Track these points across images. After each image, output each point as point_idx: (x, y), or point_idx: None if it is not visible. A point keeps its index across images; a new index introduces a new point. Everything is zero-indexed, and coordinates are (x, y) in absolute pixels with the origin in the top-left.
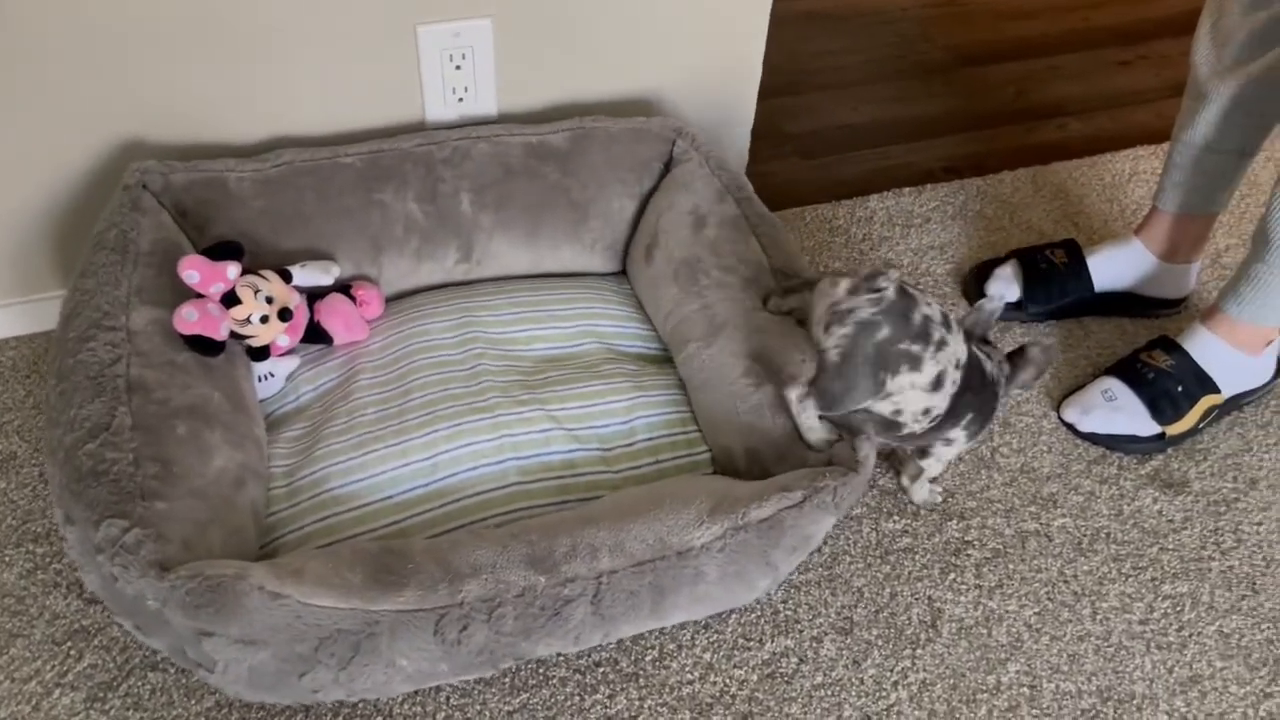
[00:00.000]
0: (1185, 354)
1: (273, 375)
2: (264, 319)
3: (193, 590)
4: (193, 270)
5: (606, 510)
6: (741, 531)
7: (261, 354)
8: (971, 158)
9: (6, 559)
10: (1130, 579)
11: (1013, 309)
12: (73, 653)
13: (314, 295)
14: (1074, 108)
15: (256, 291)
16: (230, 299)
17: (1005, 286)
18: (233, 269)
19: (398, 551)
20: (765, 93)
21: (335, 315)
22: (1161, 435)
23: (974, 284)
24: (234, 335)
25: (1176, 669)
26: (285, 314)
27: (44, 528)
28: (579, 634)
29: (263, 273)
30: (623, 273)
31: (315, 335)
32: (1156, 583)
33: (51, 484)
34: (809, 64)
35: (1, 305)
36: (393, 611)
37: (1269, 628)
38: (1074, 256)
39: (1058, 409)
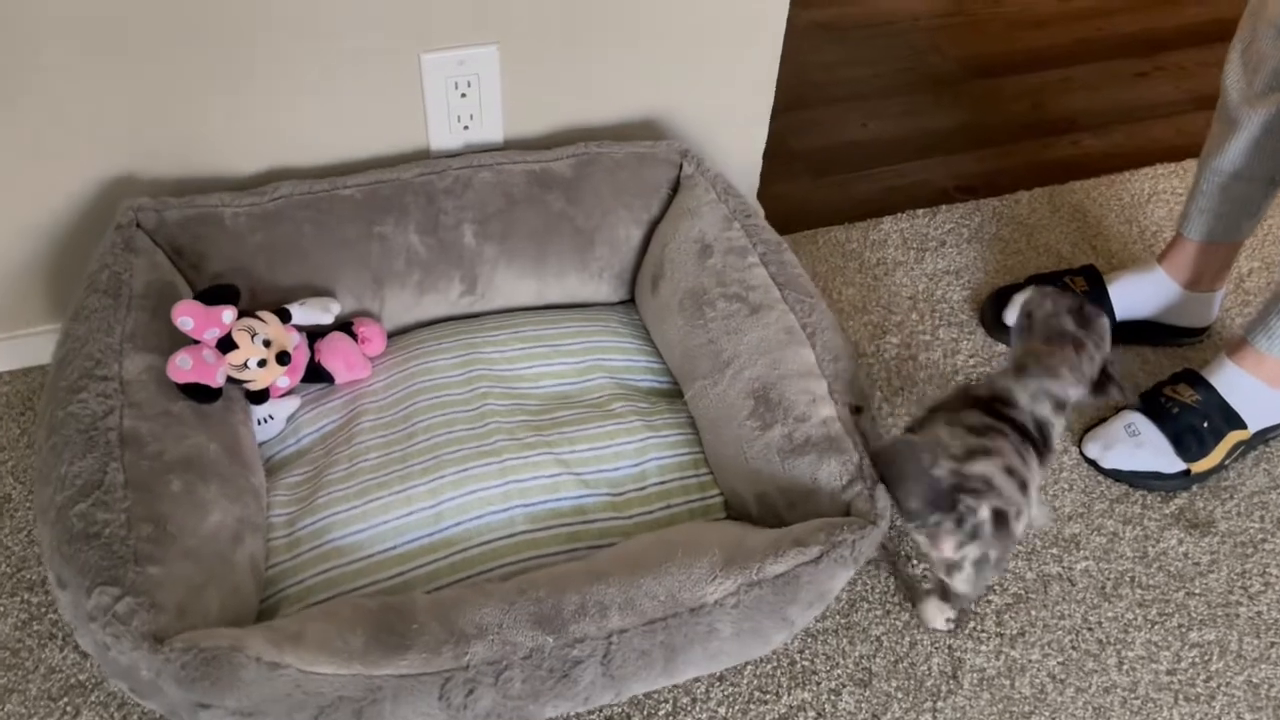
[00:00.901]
0: (1211, 389)
1: (272, 418)
2: (262, 363)
3: (187, 664)
4: (186, 316)
5: (616, 562)
6: (756, 587)
7: (261, 397)
8: (986, 175)
9: (1, 609)
10: (1156, 626)
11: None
12: (69, 709)
13: (314, 333)
14: (1089, 122)
15: (254, 335)
16: (226, 343)
17: None
18: (228, 313)
19: (400, 610)
20: (773, 108)
21: (336, 355)
22: (1186, 472)
23: (991, 311)
24: (231, 380)
25: None
26: (284, 358)
27: (39, 575)
28: (589, 695)
29: (260, 314)
30: (631, 300)
31: (316, 374)
32: (1183, 630)
33: (42, 544)
34: (817, 77)
35: None
36: (396, 676)
37: None
38: (1094, 284)
39: (1079, 444)
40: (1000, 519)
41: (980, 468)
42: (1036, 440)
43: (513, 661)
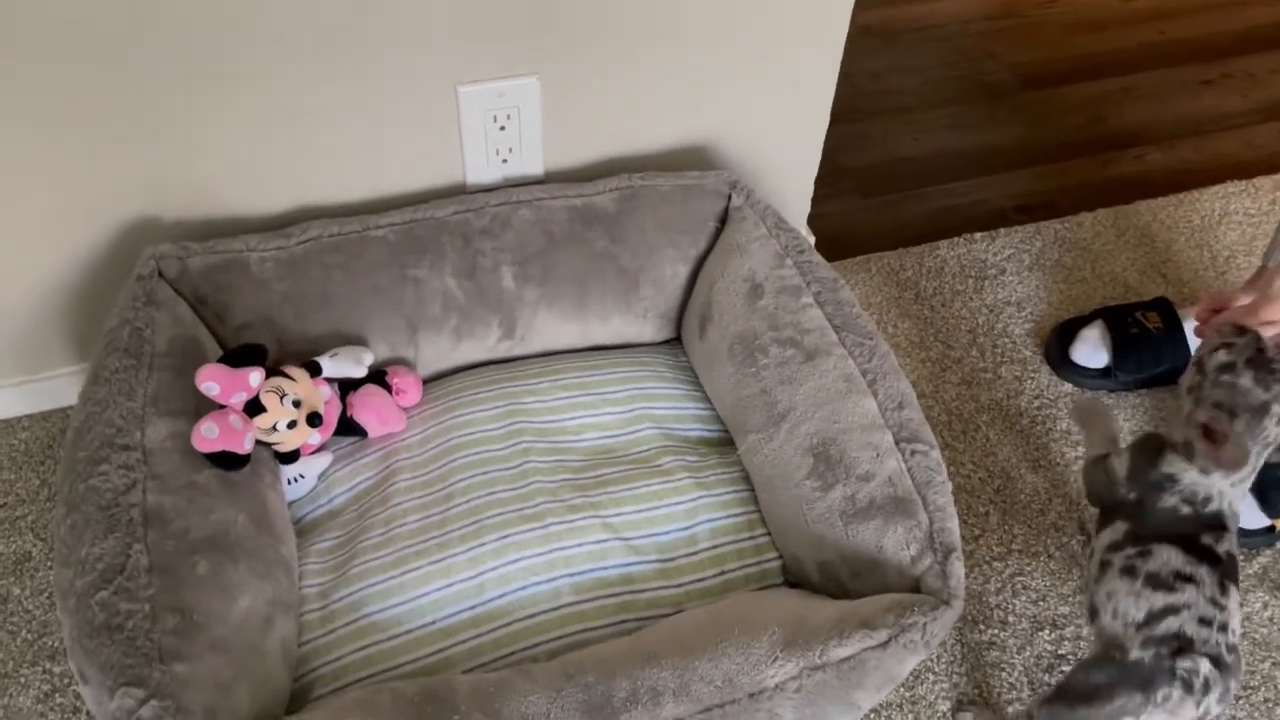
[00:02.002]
0: None
1: (303, 476)
2: (291, 424)
3: None
4: (212, 382)
5: (668, 640)
6: (819, 671)
7: (291, 457)
8: (1045, 194)
9: (22, 679)
10: (1241, 700)
11: (1099, 376)
12: None
13: (346, 385)
14: (1153, 135)
15: (283, 396)
16: (254, 406)
17: (1092, 351)
18: (255, 376)
19: (441, 698)
20: None
21: (369, 409)
22: (1272, 529)
23: (1056, 347)
24: (260, 442)
25: None
26: (314, 419)
27: (61, 643)
28: None
29: (288, 370)
30: (677, 339)
31: (348, 428)
32: (1271, 706)
33: (64, 631)
34: (863, 87)
35: (13, 384)
36: None
37: None
38: (1169, 321)
39: None
40: (1219, 662)
41: (1169, 625)
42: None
43: None
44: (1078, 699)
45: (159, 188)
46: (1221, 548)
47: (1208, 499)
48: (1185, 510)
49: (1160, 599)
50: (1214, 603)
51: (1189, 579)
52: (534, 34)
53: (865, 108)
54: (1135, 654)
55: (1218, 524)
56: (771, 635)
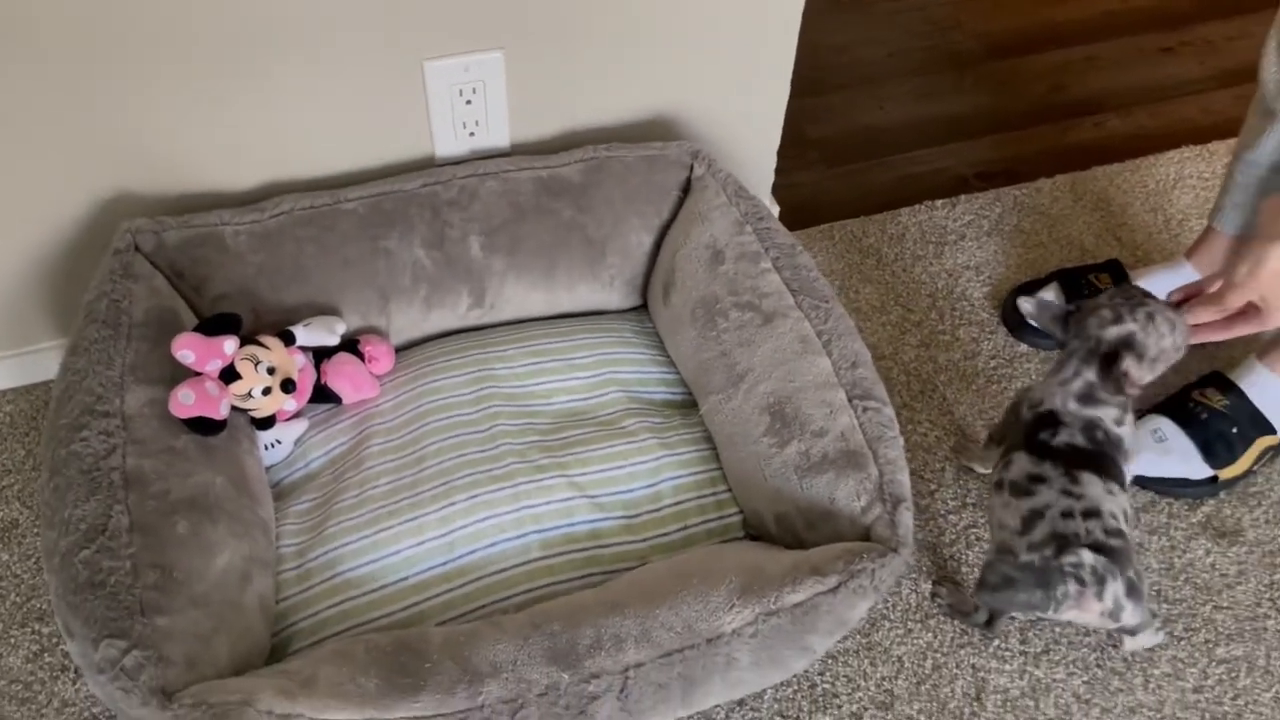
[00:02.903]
0: (1240, 393)
1: (280, 442)
2: (266, 391)
3: None
4: (187, 350)
5: (631, 591)
6: (774, 617)
7: (267, 423)
8: (1006, 161)
9: (11, 641)
10: (1183, 641)
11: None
12: None
13: (320, 353)
14: (1113, 102)
15: (257, 363)
16: (229, 373)
17: None
18: (229, 344)
19: (413, 648)
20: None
21: (343, 376)
22: (1214, 479)
23: (1013, 309)
24: (236, 408)
25: None
26: (288, 385)
27: (49, 605)
28: None
29: (263, 339)
30: (644, 306)
31: (323, 395)
32: (1210, 646)
33: (50, 590)
34: (830, 59)
35: None
36: (409, 719)
37: None
38: (1120, 281)
39: None
40: (1101, 548)
41: (1042, 530)
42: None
43: (528, 700)
44: (994, 589)
45: (133, 163)
46: (1058, 440)
47: (1040, 401)
48: (1027, 415)
49: (1025, 505)
50: (1067, 493)
51: (1040, 479)
52: (499, 9)
53: (832, 79)
54: (1025, 558)
55: (1052, 421)
56: (729, 584)
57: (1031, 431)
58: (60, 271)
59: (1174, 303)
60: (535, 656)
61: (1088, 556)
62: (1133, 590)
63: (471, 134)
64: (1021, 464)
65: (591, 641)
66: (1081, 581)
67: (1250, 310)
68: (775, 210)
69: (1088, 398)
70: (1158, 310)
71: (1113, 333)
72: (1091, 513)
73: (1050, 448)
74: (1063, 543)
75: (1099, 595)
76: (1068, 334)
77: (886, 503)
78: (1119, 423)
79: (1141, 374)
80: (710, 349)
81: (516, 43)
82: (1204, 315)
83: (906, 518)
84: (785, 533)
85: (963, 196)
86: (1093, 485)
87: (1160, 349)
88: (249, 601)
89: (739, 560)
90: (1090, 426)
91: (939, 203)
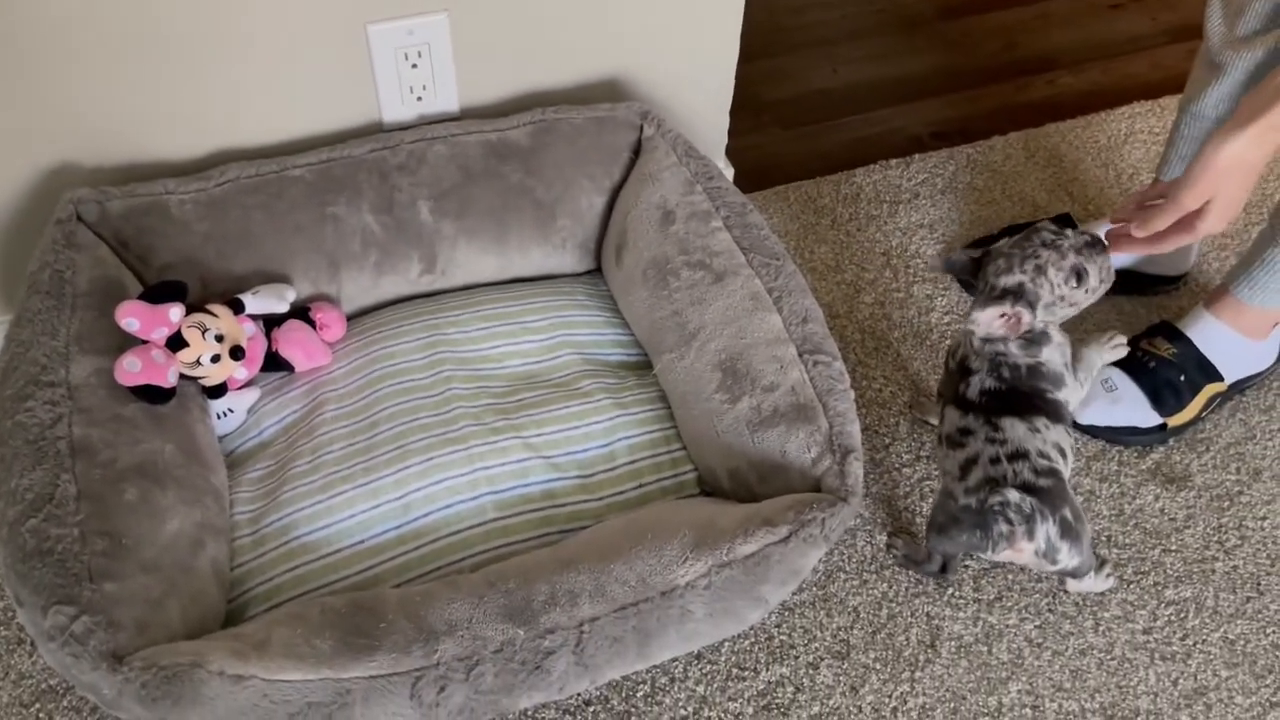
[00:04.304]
0: (1188, 341)
1: (232, 411)
2: (215, 358)
3: (148, 683)
4: (131, 318)
5: (586, 548)
6: (726, 568)
7: (218, 391)
8: (960, 120)
9: None
10: (1132, 585)
11: None
12: (41, 715)
13: (271, 321)
14: (1065, 60)
15: (204, 331)
16: (177, 341)
17: None
18: (175, 311)
19: (369, 608)
20: (739, 57)
21: (294, 344)
22: (1163, 426)
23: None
24: (185, 377)
25: (1181, 681)
26: (237, 352)
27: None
28: (563, 684)
29: (211, 307)
30: (597, 269)
31: (275, 364)
32: (1159, 588)
33: None
34: (784, 21)
35: None
36: (365, 678)
37: (1275, 631)
38: None
39: None
40: (1030, 488)
41: (976, 476)
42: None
43: (484, 656)
44: (940, 529)
45: (74, 133)
46: (972, 392)
47: (958, 348)
48: (953, 367)
49: (960, 455)
50: (991, 440)
51: (967, 431)
52: None
53: (786, 42)
54: (963, 500)
55: (965, 370)
56: (682, 538)
57: (955, 384)
58: (2, 245)
59: (1096, 238)
60: (490, 614)
61: (1013, 495)
62: (1067, 531)
63: (419, 98)
64: (951, 417)
65: (546, 597)
66: (1010, 521)
67: (1187, 222)
68: (730, 172)
69: (990, 338)
70: (1050, 262)
71: (1004, 281)
72: (1018, 455)
73: (968, 400)
74: (993, 485)
75: (1029, 535)
76: (979, 279)
77: (836, 454)
78: (1032, 355)
79: (1035, 319)
80: (662, 308)
81: (461, 5)
82: (1157, 222)
83: (856, 468)
84: (739, 487)
85: (916, 156)
86: (1014, 428)
87: (1056, 296)
88: (201, 567)
89: (692, 515)
90: (996, 364)
91: (893, 162)
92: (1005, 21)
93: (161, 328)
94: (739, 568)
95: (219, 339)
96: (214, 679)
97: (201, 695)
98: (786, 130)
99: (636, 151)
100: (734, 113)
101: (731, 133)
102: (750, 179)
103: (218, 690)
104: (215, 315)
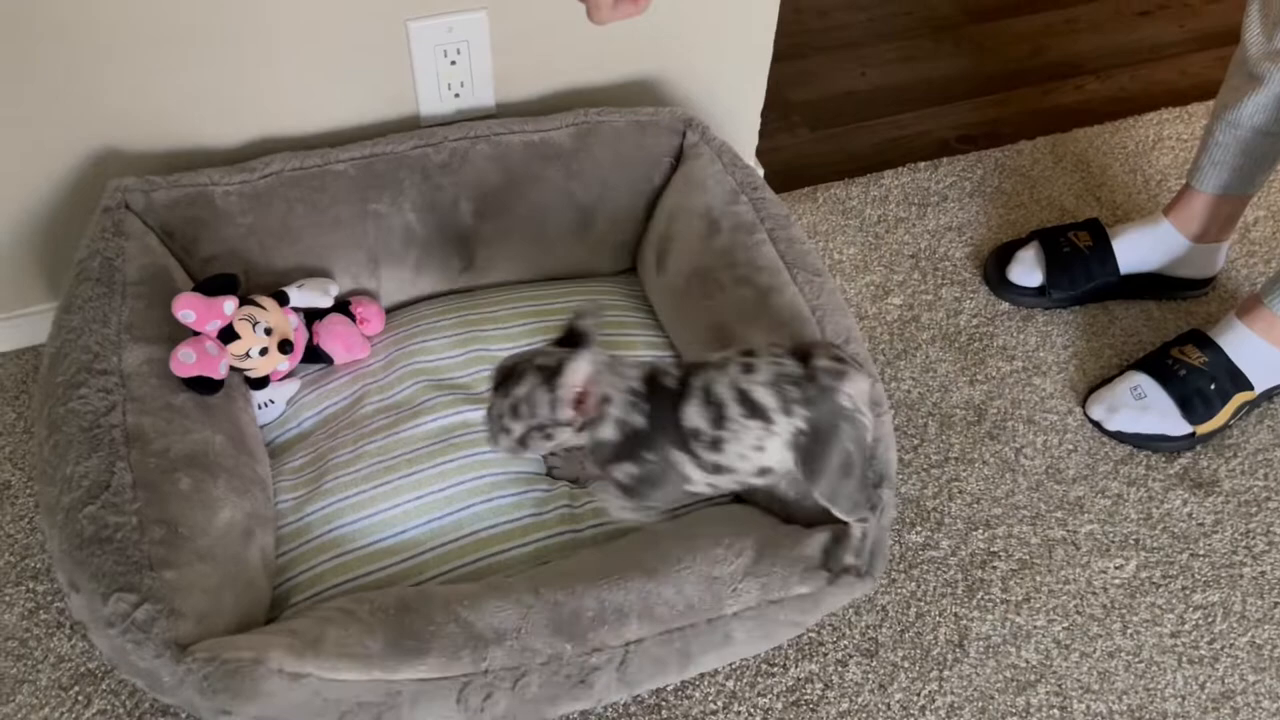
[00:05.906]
0: (1219, 350)
1: (273, 402)
2: (264, 351)
3: (210, 674)
4: (189, 309)
5: (634, 559)
6: (778, 606)
7: (261, 383)
8: (987, 124)
9: (6, 598)
10: (1160, 588)
11: (1035, 294)
12: (80, 698)
13: (312, 314)
14: (1092, 65)
15: (255, 324)
16: (228, 333)
17: (1027, 271)
18: (229, 304)
19: (417, 609)
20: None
21: (335, 337)
22: (1192, 434)
23: (994, 268)
24: (232, 368)
25: (1209, 685)
26: (286, 346)
27: (43, 563)
28: (602, 697)
29: (259, 300)
30: (632, 269)
31: (314, 355)
32: (1187, 592)
33: (50, 546)
34: (811, 23)
35: None
36: (415, 680)
37: None
38: (1098, 239)
39: (1083, 404)
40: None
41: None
42: None
43: (531, 668)
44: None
45: (120, 121)
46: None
47: None
48: None
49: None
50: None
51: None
52: None
53: (814, 44)
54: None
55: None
56: (731, 566)
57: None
58: (47, 233)
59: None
60: (538, 625)
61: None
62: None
63: (456, 95)
64: None
65: (594, 614)
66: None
67: None
68: (760, 172)
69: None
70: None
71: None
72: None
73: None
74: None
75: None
76: None
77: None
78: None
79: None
80: (705, 319)
81: (500, 2)
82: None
83: (887, 495)
84: (774, 501)
85: (944, 159)
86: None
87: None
88: (252, 556)
89: (739, 533)
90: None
91: (921, 165)
92: (1033, 26)
93: (215, 320)
94: (791, 606)
95: (268, 332)
96: (273, 676)
97: (260, 690)
98: (814, 131)
99: (678, 157)
100: (762, 113)
101: (760, 133)
102: (779, 179)
103: (276, 686)
104: (264, 309)
